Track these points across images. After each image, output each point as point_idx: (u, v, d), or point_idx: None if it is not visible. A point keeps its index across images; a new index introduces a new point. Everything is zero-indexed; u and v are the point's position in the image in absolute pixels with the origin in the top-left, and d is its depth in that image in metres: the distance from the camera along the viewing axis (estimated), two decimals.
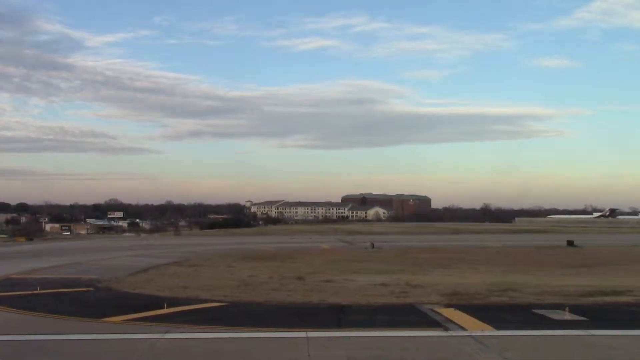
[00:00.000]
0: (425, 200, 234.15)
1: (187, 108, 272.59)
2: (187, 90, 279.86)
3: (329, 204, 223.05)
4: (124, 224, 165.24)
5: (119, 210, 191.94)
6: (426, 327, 11.12)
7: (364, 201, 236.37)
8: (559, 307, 12.85)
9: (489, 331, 10.65)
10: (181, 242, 60.13)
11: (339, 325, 11.40)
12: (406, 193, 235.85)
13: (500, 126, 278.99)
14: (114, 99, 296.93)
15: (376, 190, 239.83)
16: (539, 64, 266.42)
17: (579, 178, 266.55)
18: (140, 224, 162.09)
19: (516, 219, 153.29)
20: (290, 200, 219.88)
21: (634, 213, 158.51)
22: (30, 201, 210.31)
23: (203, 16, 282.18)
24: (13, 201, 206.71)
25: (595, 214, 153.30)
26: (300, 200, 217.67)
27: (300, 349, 9.03)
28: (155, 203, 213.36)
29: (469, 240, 58.74)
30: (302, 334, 10.12)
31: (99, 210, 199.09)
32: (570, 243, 47.13)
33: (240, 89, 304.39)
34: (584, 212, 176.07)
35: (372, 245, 44.10)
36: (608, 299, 15.04)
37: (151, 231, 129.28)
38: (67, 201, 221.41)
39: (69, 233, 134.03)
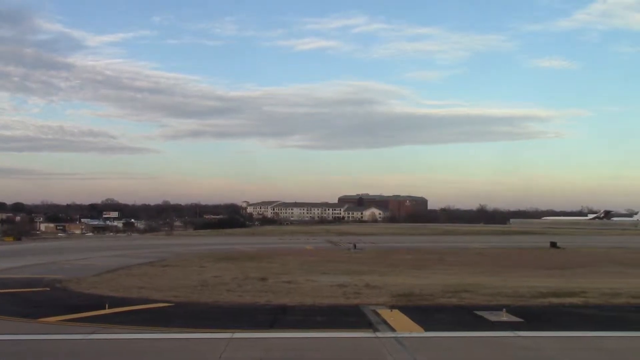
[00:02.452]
0: (421, 201, 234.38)
1: (187, 108, 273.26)
2: (187, 90, 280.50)
3: (325, 205, 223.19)
4: (119, 223, 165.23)
5: (116, 210, 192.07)
6: (357, 328, 11.08)
7: (361, 202, 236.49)
8: (504, 308, 12.81)
9: (417, 332, 10.65)
10: (168, 242, 60.08)
11: (271, 326, 11.37)
12: (403, 194, 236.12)
13: (499, 127, 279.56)
14: (114, 98, 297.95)
15: (375, 191, 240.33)
16: (538, 65, 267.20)
17: (577, 179, 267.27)
18: (136, 224, 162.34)
19: (511, 220, 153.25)
20: (286, 201, 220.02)
21: (630, 215, 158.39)
22: (29, 201, 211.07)
23: (203, 16, 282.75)
24: (12, 200, 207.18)
25: (590, 216, 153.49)
26: (296, 201, 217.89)
27: (216, 350, 9.01)
28: (154, 203, 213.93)
29: (456, 242, 58.71)
30: (228, 335, 10.12)
31: (95, 210, 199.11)
32: (553, 244, 47.13)
33: (240, 89, 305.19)
34: (580, 213, 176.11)
35: (355, 246, 44.05)
36: (557, 300, 15.02)
37: (145, 231, 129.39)
38: (65, 201, 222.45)
39: (63, 233, 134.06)
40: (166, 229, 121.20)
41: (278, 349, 9.36)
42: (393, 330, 10.82)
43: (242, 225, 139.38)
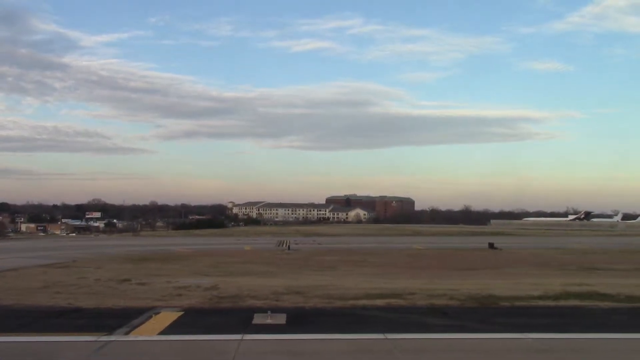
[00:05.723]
0: (408, 202, 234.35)
1: (182, 108, 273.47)
2: (182, 90, 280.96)
3: (311, 205, 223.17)
4: (101, 224, 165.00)
5: (102, 211, 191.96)
6: (97, 331, 10.77)
7: (348, 202, 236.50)
8: (269, 311, 12.54)
9: (145, 336, 10.52)
10: (120, 243, 59.69)
11: (16, 329, 11.17)
12: (390, 195, 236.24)
13: (493, 128, 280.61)
14: (109, 99, 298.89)
15: (365, 192, 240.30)
16: (532, 67, 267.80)
17: (571, 180, 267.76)
18: (118, 224, 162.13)
19: (491, 221, 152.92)
20: (271, 201, 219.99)
21: (611, 216, 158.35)
22: (19, 201, 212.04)
23: (198, 17, 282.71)
24: (1, 200, 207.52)
25: (571, 217, 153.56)
26: (281, 202, 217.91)
27: None
28: (143, 203, 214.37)
29: (405, 242, 58.41)
30: None
31: (81, 211, 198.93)
32: (491, 245, 47.13)
33: (235, 90, 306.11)
34: (565, 214, 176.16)
35: (289, 247, 43.94)
36: (367, 302, 14.81)
37: (124, 231, 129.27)
38: (57, 201, 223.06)
39: (43, 233, 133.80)
40: (149, 229, 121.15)
41: None
42: (127, 334, 10.69)
43: (220, 225, 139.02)
